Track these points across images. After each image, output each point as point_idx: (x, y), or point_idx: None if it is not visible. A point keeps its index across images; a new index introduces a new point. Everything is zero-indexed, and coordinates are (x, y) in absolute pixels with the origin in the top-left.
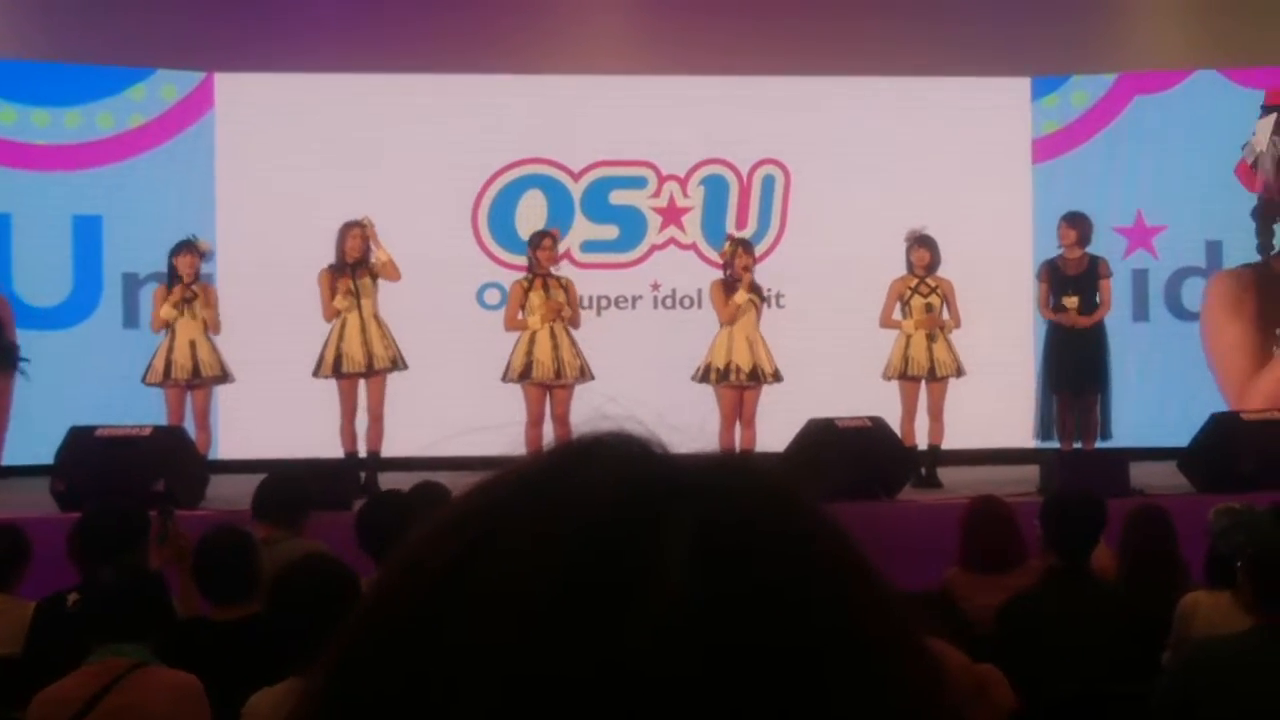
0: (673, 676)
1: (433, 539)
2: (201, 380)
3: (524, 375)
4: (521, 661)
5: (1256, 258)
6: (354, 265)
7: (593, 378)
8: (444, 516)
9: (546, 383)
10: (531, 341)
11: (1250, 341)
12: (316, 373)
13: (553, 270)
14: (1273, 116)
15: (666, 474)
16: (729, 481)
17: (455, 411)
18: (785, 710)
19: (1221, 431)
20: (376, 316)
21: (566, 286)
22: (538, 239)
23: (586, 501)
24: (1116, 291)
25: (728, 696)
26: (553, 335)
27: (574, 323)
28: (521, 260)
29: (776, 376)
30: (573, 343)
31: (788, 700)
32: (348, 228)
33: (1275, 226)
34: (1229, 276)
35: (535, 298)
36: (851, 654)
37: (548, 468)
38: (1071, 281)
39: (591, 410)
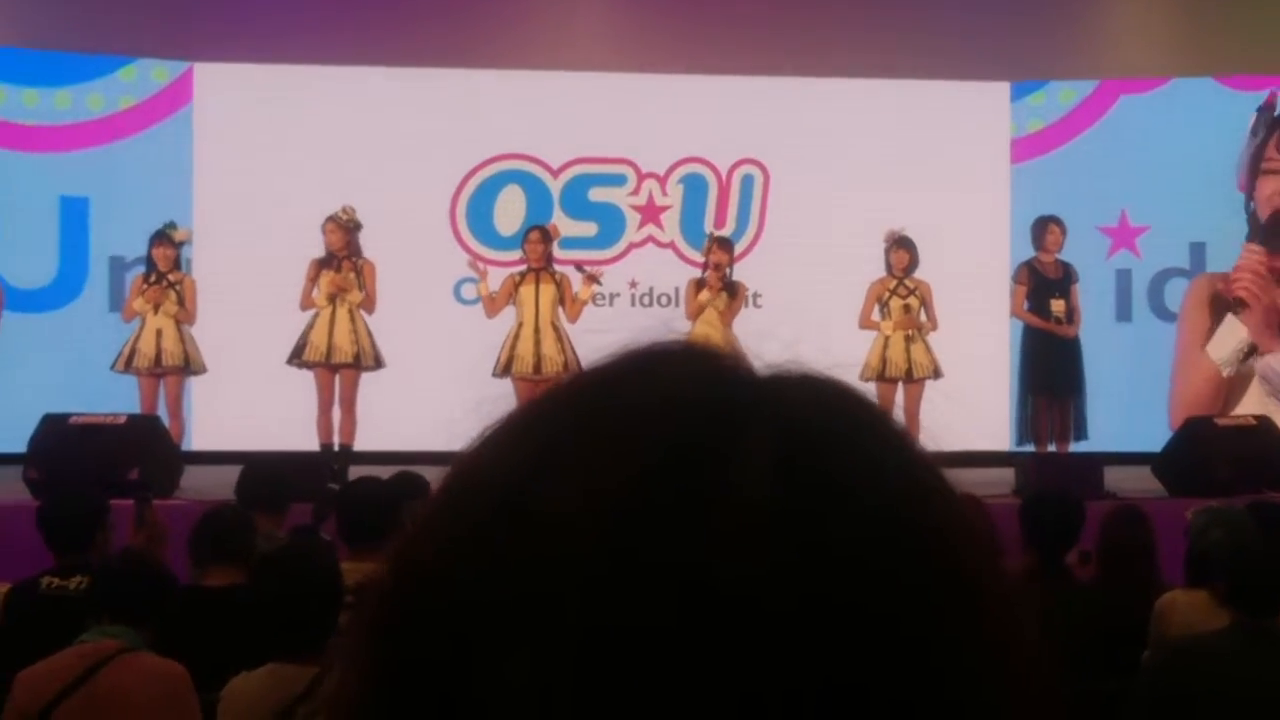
0: (750, 589)
1: (493, 450)
2: (163, 369)
3: (506, 370)
4: (591, 583)
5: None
6: (341, 259)
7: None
8: (502, 430)
9: (528, 377)
10: (516, 336)
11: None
12: (289, 360)
13: (548, 265)
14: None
15: (747, 382)
16: (813, 397)
17: (430, 407)
18: (877, 618)
19: (1195, 437)
20: (351, 312)
21: (560, 282)
22: (526, 233)
23: (661, 411)
24: (1099, 291)
25: (809, 614)
26: (537, 330)
27: (568, 318)
28: (498, 256)
29: None
30: (559, 338)
31: (878, 608)
32: (325, 222)
33: None
34: (1208, 280)
35: (525, 292)
36: (955, 582)
37: (618, 375)
38: (1056, 285)
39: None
